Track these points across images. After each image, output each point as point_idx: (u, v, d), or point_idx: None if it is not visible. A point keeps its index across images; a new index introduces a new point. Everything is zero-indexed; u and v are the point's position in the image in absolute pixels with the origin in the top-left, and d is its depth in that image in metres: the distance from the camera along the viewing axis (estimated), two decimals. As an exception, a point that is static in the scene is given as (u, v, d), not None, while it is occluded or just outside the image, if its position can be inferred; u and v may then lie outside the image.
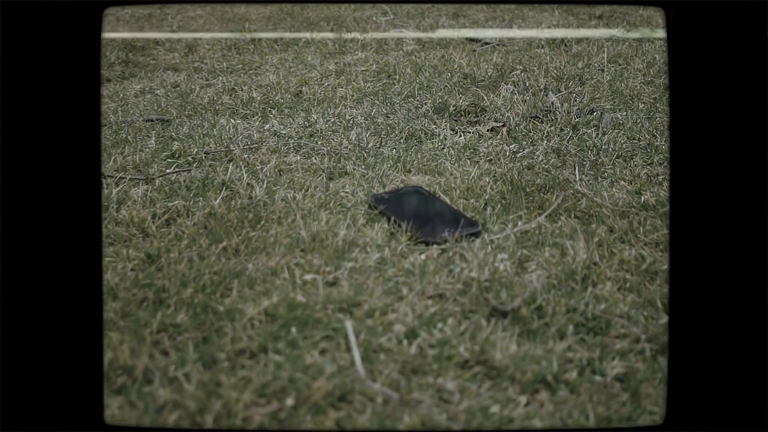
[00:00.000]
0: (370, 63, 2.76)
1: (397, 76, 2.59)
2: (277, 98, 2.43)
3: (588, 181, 1.76)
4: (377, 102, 2.36)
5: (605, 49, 2.73)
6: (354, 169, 1.86)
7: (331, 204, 1.67)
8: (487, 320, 1.28)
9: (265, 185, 1.76)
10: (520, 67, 2.63)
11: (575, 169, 1.82)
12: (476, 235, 1.53)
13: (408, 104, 2.33)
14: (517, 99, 2.30)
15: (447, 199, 1.68)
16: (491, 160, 1.91)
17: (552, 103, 2.25)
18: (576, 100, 2.28)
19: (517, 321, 1.28)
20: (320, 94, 2.46)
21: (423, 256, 1.47)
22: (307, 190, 1.74)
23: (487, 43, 2.93)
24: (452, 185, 1.74)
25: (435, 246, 1.50)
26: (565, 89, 2.38)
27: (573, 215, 1.61)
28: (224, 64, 2.87)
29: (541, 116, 2.18)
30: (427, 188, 1.74)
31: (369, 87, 2.51)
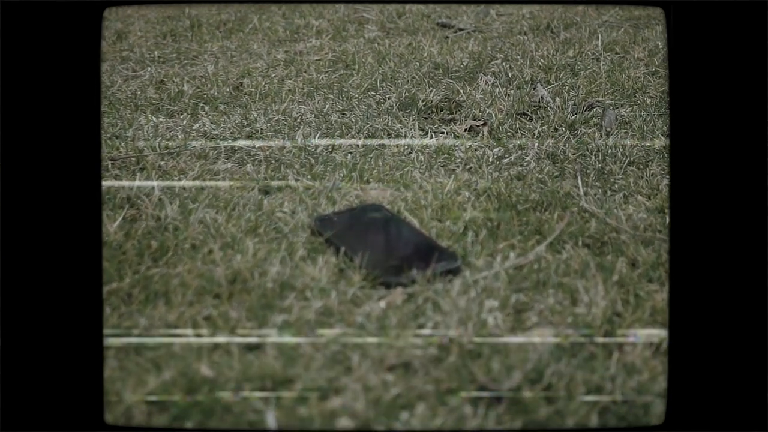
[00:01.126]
0: (326, 51, 2.36)
1: (357, 66, 2.19)
2: (212, 92, 2.02)
3: (595, 195, 1.37)
4: (331, 96, 1.97)
5: (599, 35, 2.35)
6: (297, 180, 1.46)
7: (263, 229, 1.27)
8: (474, 406, 0.89)
9: (178, 202, 1.35)
10: (501, 55, 2.24)
11: (578, 179, 1.43)
12: (455, 272, 1.14)
13: (368, 99, 1.94)
14: (499, 92, 1.91)
15: (415, 222, 1.29)
16: (471, 168, 1.51)
17: (542, 98, 1.86)
18: (570, 94, 1.89)
19: (517, 408, 0.88)
20: (264, 87, 2.05)
21: (383, 304, 1.07)
22: (233, 209, 1.34)
23: (461, 29, 2.54)
24: (422, 202, 1.35)
25: (399, 289, 1.10)
26: (556, 81, 1.99)
27: (581, 243, 1.22)
28: (156, 52, 2.45)
29: (529, 113, 1.79)
30: (389, 207, 1.34)
31: (322, 79, 2.10)
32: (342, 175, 1.48)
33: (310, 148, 1.60)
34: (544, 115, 1.77)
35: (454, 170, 1.51)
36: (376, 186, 1.44)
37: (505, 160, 1.54)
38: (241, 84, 2.10)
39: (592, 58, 2.18)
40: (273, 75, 2.16)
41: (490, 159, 1.55)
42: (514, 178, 1.46)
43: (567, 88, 1.94)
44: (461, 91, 1.92)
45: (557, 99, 1.85)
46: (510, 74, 2.05)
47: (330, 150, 1.62)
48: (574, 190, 1.39)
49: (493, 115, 1.77)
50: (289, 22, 2.71)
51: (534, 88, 1.93)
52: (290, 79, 2.11)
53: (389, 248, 1.20)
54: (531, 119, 1.76)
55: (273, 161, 1.56)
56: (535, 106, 1.82)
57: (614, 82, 1.97)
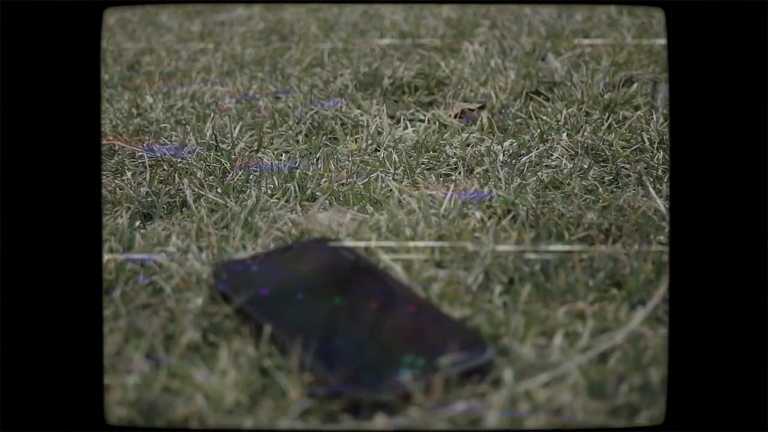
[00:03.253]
0: (255, 21, 1.80)
1: (296, 38, 1.64)
2: (97, 73, 1.44)
3: (686, 213, 0.83)
4: (261, 75, 1.41)
5: (610, -4, 1.82)
6: (199, 196, 0.90)
7: (126, 287, 0.71)
8: None
9: None
10: (487, 22, 1.70)
11: (648, 187, 0.89)
12: (483, 371, 0.59)
13: (312, 78, 1.38)
14: (496, 65, 1.37)
15: (398, 270, 0.73)
16: (475, 171, 0.96)
17: (556, 71, 1.33)
18: (593, 66, 1.35)
19: None
20: (168, 64, 1.49)
21: (348, 455, 0.52)
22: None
23: (430, -6, 2.00)
24: (406, 231, 0.79)
25: (380, 417, 0.55)
26: (569, 50, 1.46)
27: (694, 301, 0.68)
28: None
29: (544, 91, 1.25)
30: (347, 243, 0.79)
31: (249, 54, 1.55)
32: (271, 187, 0.92)
33: (224, 147, 1.04)
34: (566, 93, 1.23)
35: (449, 176, 0.97)
36: (326, 205, 0.89)
37: (524, 159, 1.00)
38: (139, 62, 1.53)
39: (608, 24, 1.65)
40: (183, 50, 1.59)
41: (501, 157, 1.00)
42: (549, 186, 0.92)
43: (585, 59, 1.41)
44: (442, 64, 1.38)
45: (576, 73, 1.32)
46: (504, 43, 1.51)
47: (255, 149, 1.06)
48: (650, 203, 0.85)
49: (494, 94, 1.23)
50: None
51: (543, 59, 1.39)
52: (205, 55, 1.54)
53: (356, 327, 0.64)
54: (548, 99, 1.22)
55: (167, 166, 1.00)
56: (550, 83, 1.28)
57: (648, 50, 1.44)
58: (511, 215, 0.83)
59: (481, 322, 0.65)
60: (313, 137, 1.11)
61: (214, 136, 1.07)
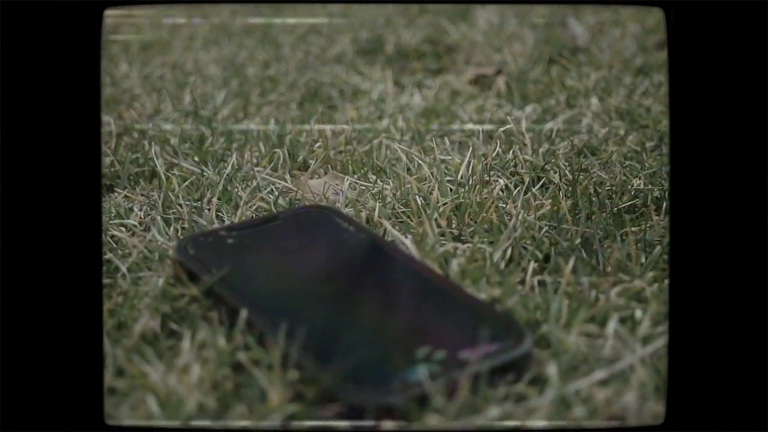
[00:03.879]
0: (247, -8, 1.67)
1: (287, 6, 1.51)
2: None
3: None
4: (250, 42, 1.28)
5: (630, -35, 1.69)
6: (173, 164, 0.77)
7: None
8: None
9: None
10: (499, -10, 1.57)
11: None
12: (518, 366, 0.45)
13: (307, 45, 1.25)
14: (512, 31, 1.23)
15: (408, 244, 0.59)
16: (496, 137, 0.83)
17: (578, 36, 1.20)
18: (617, 33, 1.22)
19: None
20: (149, 34, 1.36)
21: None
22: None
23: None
24: (417, 199, 0.66)
25: (387, 423, 0.42)
26: (593, 17, 1.33)
27: None
28: None
29: (566, 56, 1.12)
30: (348, 212, 0.65)
31: (237, 22, 1.41)
32: (257, 155, 0.79)
33: (203, 113, 0.91)
34: (592, 59, 1.10)
35: (465, 142, 0.83)
36: (322, 172, 0.76)
37: (549, 125, 0.86)
38: (117, 32, 1.40)
39: (630, -8, 1.51)
40: (165, 21, 1.46)
41: (524, 123, 0.87)
42: (582, 151, 0.78)
43: (609, 25, 1.28)
44: (451, 30, 1.24)
45: (602, 38, 1.19)
46: (518, 10, 1.38)
47: (243, 113, 0.93)
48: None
49: (511, 60, 1.09)
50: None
51: (563, 25, 1.26)
52: (188, 25, 1.41)
53: (356, 312, 0.51)
54: (571, 62, 1.09)
55: (135, 134, 0.87)
56: (572, 49, 1.15)
57: (679, 15, 1.30)
58: (540, 182, 0.70)
59: (514, 305, 0.51)
60: (309, 103, 0.98)
61: (193, 102, 0.94)
